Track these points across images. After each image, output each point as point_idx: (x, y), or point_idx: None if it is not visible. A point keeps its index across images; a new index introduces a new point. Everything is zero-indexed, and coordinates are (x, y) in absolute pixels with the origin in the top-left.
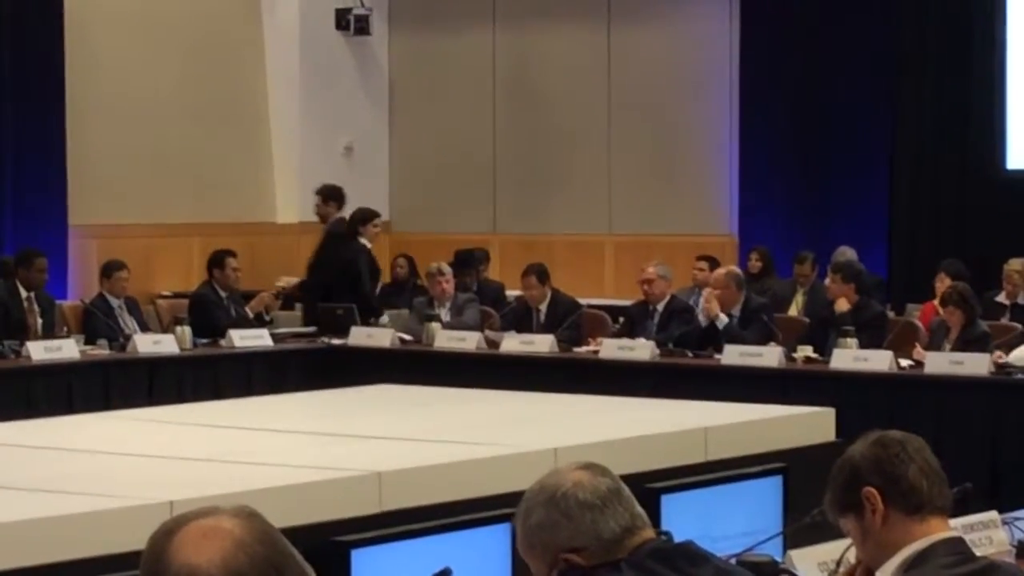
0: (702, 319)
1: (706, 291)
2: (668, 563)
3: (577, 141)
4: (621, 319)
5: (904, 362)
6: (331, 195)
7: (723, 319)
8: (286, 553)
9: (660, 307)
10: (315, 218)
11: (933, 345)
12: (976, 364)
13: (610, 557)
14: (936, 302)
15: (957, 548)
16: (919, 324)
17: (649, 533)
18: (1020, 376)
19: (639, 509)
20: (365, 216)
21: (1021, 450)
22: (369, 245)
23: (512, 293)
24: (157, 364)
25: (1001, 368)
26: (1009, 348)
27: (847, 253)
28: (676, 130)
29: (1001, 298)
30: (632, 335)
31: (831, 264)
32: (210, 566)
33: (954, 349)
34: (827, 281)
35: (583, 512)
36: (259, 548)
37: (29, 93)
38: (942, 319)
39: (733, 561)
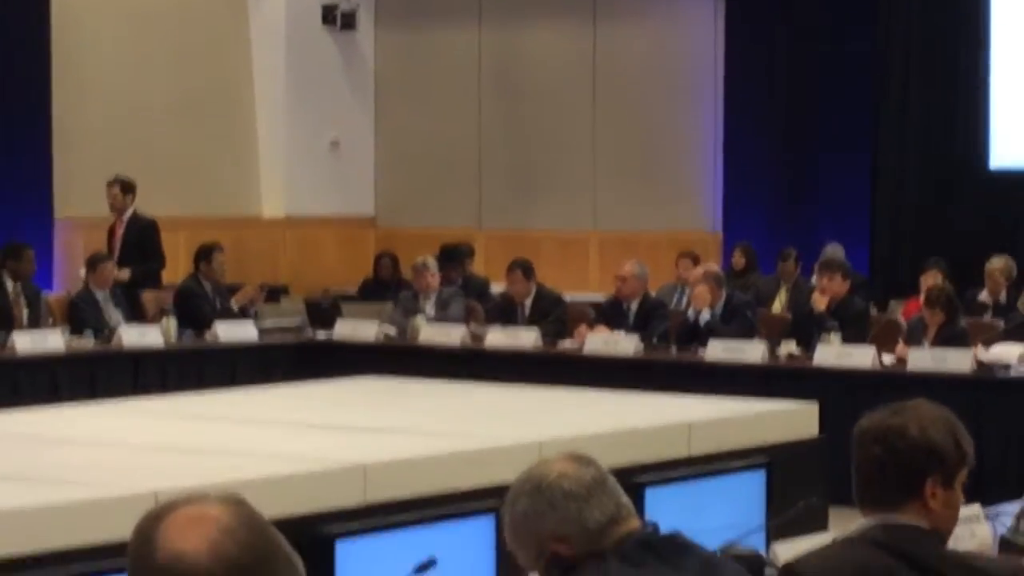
0: (691, 313)
1: (689, 292)
2: (654, 553)
3: (562, 137)
4: (594, 316)
5: (887, 358)
6: (130, 188)
7: (705, 315)
8: (273, 541)
9: (633, 305)
10: (301, 212)
11: (911, 342)
12: (959, 361)
13: (595, 547)
14: (921, 299)
15: (870, 535)
16: (902, 321)
17: (635, 524)
18: (1002, 373)
19: (625, 499)
20: None
21: (1003, 445)
22: None
23: (497, 288)
24: (142, 356)
25: (983, 365)
26: (988, 345)
27: (837, 250)
28: (661, 127)
29: (983, 296)
30: (606, 332)
31: (822, 262)
32: (197, 553)
33: (933, 347)
34: (819, 279)
35: (568, 502)
36: (246, 535)
37: (15, 86)
38: (920, 317)
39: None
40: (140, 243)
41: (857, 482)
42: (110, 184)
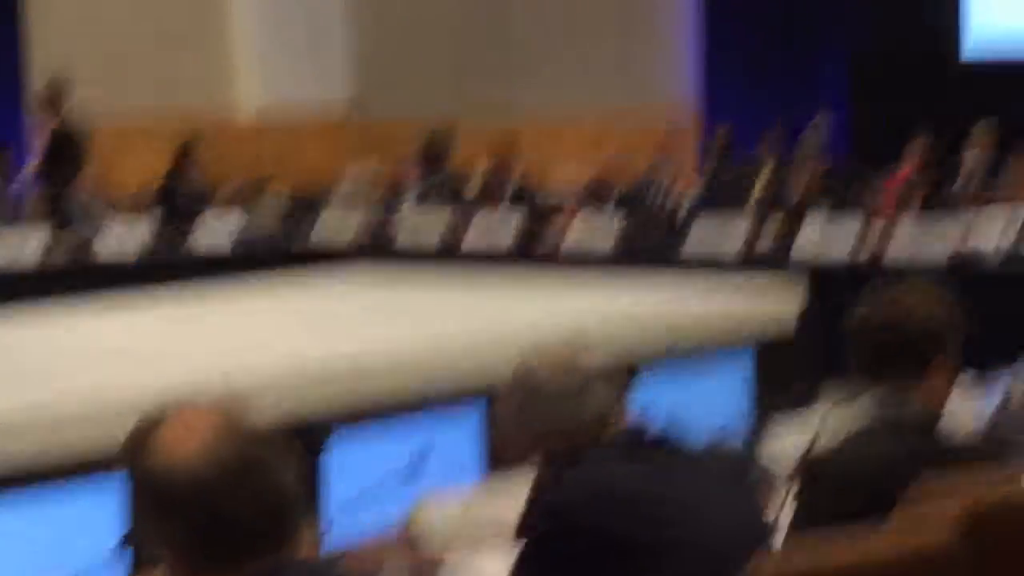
0: (674, 196)
1: (670, 175)
2: (643, 451)
3: (540, 18)
4: (575, 204)
5: (872, 235)
6: (58, 93)
7: (685, 203)
8: (266, 444)
9: (617, 190)
10: (279, 106)
11: (897, 214)
12: (939, 244)
13: (588, 442)
14: (905, 171)
15: (884, 421)
16: (887, 194)
17: (626, 420)
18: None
19: (616, 396)
20: None
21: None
22: None
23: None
24: (120, 259)
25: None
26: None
27: (817, 130)
28: (638, 9)
29: (968, 161)
30: (588, 220)
31: (797, 157)
32: (191, 458)
33: (919, 217)
34: (796, 172)
35: (560, 399)
36: (239, 439)
37: None
38: (905, 187)
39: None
40: (60, 148)
41: (862, 366)
42: (36, 92)
